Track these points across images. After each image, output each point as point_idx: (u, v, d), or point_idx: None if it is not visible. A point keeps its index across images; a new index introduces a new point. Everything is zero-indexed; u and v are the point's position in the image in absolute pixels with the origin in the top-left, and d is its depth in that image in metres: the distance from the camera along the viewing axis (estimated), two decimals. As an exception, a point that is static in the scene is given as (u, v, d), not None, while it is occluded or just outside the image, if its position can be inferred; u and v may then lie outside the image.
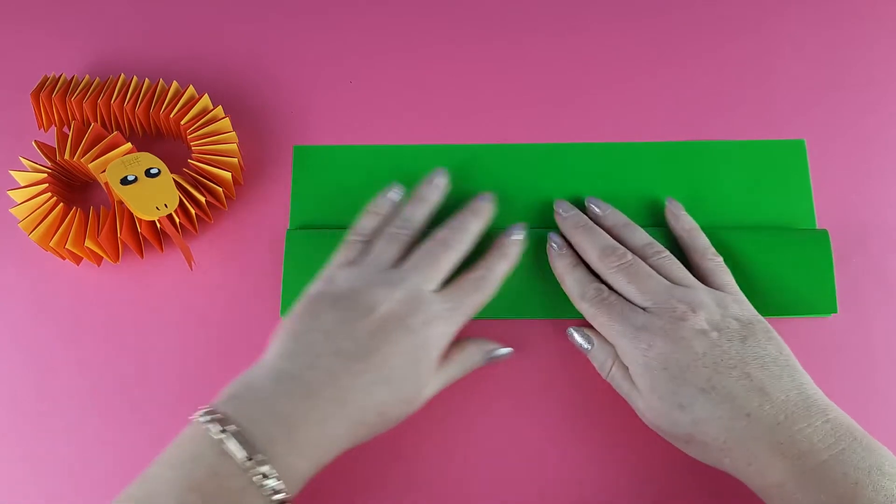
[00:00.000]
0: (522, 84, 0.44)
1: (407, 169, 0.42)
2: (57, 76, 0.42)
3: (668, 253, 0.37)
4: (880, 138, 0.42)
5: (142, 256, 0.40)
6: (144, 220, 0.39)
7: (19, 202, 0.39)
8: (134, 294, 0.40)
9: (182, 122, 0.41)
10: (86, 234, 0.38)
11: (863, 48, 0.44)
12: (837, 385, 0.38)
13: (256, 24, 0.46)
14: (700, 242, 0.38)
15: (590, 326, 0.37)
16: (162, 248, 0.41)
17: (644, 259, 0.37)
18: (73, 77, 0.42)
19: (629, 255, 0.36)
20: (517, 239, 0.38)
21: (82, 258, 0.40)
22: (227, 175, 0.40)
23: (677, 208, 0.39)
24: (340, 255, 0.37)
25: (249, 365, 0.39)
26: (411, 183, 0.41)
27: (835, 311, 0.38)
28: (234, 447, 0.29)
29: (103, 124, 0.42)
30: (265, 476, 0.29)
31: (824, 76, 0.44)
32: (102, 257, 0.40)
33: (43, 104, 0.41)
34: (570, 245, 0.38)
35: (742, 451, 0.31)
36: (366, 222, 0.38)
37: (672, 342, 0.33)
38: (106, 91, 0.41)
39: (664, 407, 0.32)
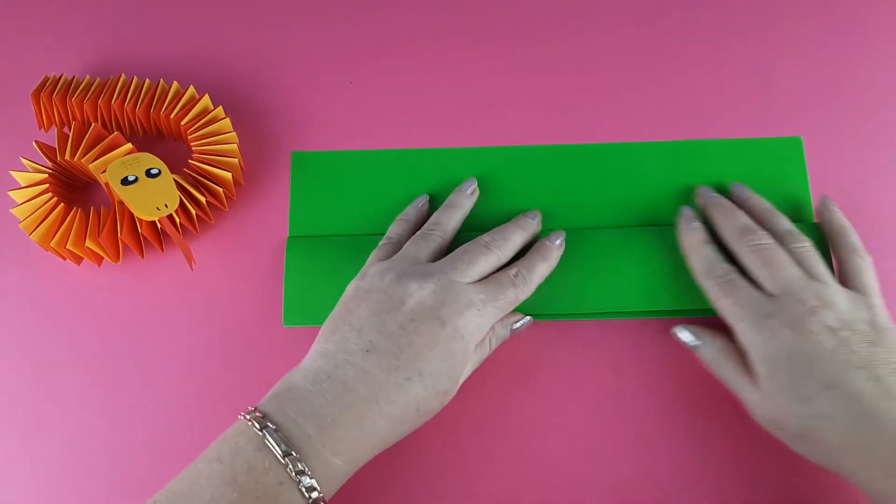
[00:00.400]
0: (522, 85, 0.44)
1: (406, 173, 0.42)
2: (57, 76, 0.42)
3: (809, 243, 0.36)
4: (877, 138, 0.42)
5: (142, 256, 0.40)
6: (145, 221, 0.39)
7: (20, 202, 0.39)
8: (134, 294, 0.40)
9: (182, 123, 0.41)
10: (86, 235, 0.38)
11: (861, 47, 0.44)
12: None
13: (257, 25, 0.46)
14: (852, 240, 0.37)
15: (693, 323, 0.37)
16: (162, 249, 0.41)
17: (784, 246, 0.35)
18: (73, 77, 0.42)
19: (769, 238, 0.35)
20: (559, 244, 0.38)
21: (83, 258, 0.40)
22: (228, 175, 0.40)
23: (830, 203, 0.38)
24: (373, 255, 0.37)
25: (249, 365, 0.39)
26: (411, 186, 0.41)
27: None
28: (272, 444, 0.29)
29: (104, 124, 0.42)
30: (301, 473, 0.29)
31: (822, 76, 0.44)
32: (103, 257, 0.40)
33: (43, 104, 0.41)
34: (702, 225, 0.38)
35: (863, 455, 0.30)
36: (396, 228, 0.39)
37: (799, 333, 0.32)
38: (106, 91, 0.41)
39: (783, 398, 0.32)
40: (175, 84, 0.42)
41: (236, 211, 0.42)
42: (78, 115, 0.41)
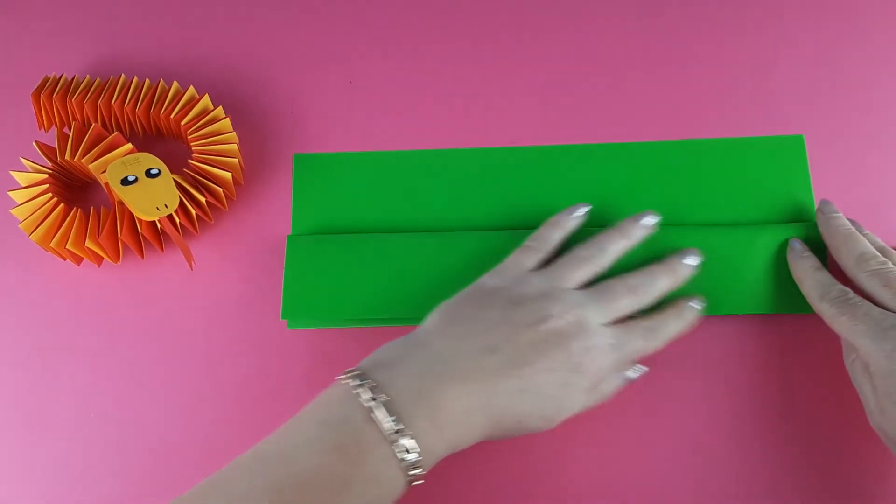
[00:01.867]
0: (522, 85, 0.44)
1: (408, 175, 0.42)
2: (57, 76, 0.42)
3: None
4: (880, 136, 0.42)
5: (142, 257, 0.40)
6: (145, 221, 0.39)
7: (20, 203, 0.39)
8: (134, 294, 0.40)
9: (182, 123, 0.41)
10: (86, 235, 0.38)
11: (863, 45, 0.44)
12: (837, 382, 0.38)
13: (257, 24, 0.46)
14: None
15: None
16: (162, 249, 0.41)
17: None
18: (73, 77, 0.42)
19: (890, 264, 0.35)
20: (697, 308, 0.37)
21: (83, 258, 0.40)
22: (228, 175, 0.40)
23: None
24: (520, 257, 0.37)
25: (249, 365, 0.39)
26: (411, 189, 0.41)
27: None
28: (382, 416, 0.29)
29: (104, 125, 0.42)
30: (407, 450, 0.29)
31: (823, 74, 0.44)
32: (103, 257, 0.40)
33: (43, 104, 0.41)
34: (810, 252, 0.38)
35: None
36: (547, 234, 0.38)
37: None
38: (106, 91, 0.41)
39: (894, 413, 0.31)
40: (175, 84, 0.42)
41: (236, 211, 0.42)
42: (78, 116, 0.41)
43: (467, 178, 0.41)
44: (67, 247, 0.38)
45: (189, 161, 0.40)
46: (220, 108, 0.41)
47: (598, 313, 0.34)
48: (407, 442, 0.29)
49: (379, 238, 0.40)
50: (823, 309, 0.36)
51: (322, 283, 0.39)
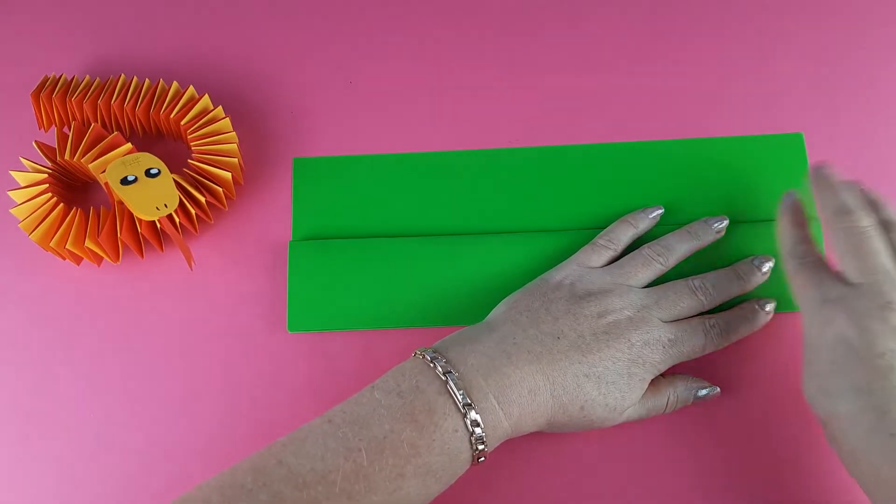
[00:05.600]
0: (522, 85, 0.44)
1: (408, 177, 0.42)
2: (57, 76, 0.42)
3: None
4: (879, 133, 0.42)
5: (142, 256, 0.40)
6: (144, 221, 0.39)
7: (19, 202, 0.39)
8: (134, 294, 0.40)
9: (182, 123, 0.41)
10: (86, 235, 0.38)
11: (862, 43, 0.44)
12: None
13: (257, 24, 0.46)
14: None
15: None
16: (162, 248, 0.41)
17: (886, 235, 0.33)
18: (73, 77, 0.42)
19: (866, 222, 0.32)
20: (769, 312, 0.37)
21: (82, 258, 0.40)
22: (228, 175, 0.40)
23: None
24: (588, 254, 0.37)
25: (249, 365, 0.39)
26: (412, 192, 0.41)
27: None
28: (453, 391, 0.30)
29: (103, 124, 0.42)
30: (476, 424, 0.30)
31: (823, 72, 0.44)
32: (103, 257, 0.40)
33: (43, 104, 0.41)
34: (799, 206, 0.37)
35: (870, 467, 0.29)
36: (621, 232, 0.38)
37: (856, 328, 0.30)
38: (106, 91, 0.41)
39: (813, 385, 0.32)
40: (175, 84, 0.42)
41: (236, 211, 0.42)
42: (78, 115, 0.41)
43: (469, 180, 0.41)
44: (67, 247, 0.38)
45: (189, 161, 0.40)
46: (220, 107, 0.41)
47: (659, 311, 0.35)
48: (476, 416, 0.30)
49: (382, 243, 0.40)
50: (788, 266, 0.35)
51: (327, 290, 0.39)
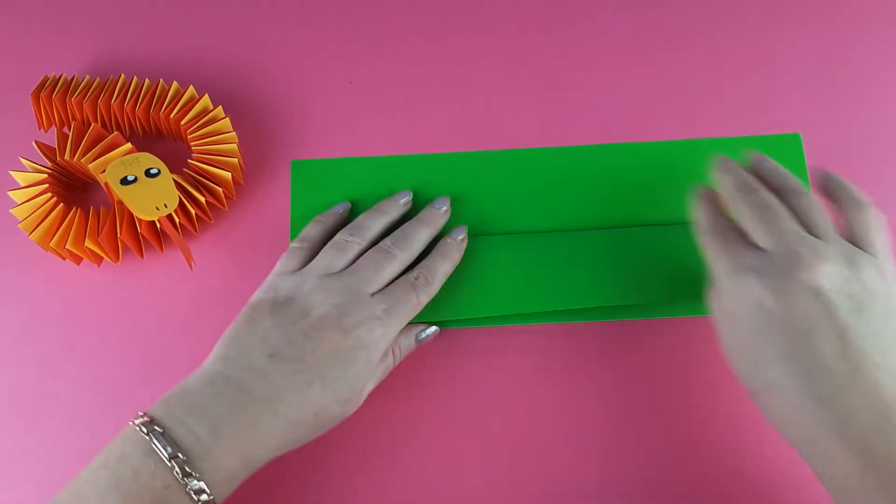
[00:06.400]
0: (522, 86, 0.44)
1: (405, 179, 0.41)
2: (57, 76, 0.42)
3: (815, 199, 0.33)
4: (876, 134, 0.42)
5: (142, 256, 0.40)
6: (144, 220, 0.39)
7: (19, 202, 0.39)
8: (134, 294, 0.40)
9: (182, 123, 0.41)
10: (86, 235, 0.38)
11: (859, 44, 0.44)
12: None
13: (256, 24, 0.46)
14: (856, 194, 0.33)
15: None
16: (162, 248, 0.41)
17: (786, 200, 0.33)
18: (73, 77, 0.42)
19: (765, 193, 0.33)
20: (461, 240, 0.38)
21: (82, 258, 0.40)
22: (227, 175, 0.40)
23: (826, 172, 0.35)
24: (282, 263, 0.37)
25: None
26: (413, 192, 0.41)
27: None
28: (159, 446, 0.29)
29: (103, 124, 0.42)
30: (189, 475, 0.29)
31: (820, 73, 0.44)
32: (102, 257, 0.40)
33: (43, 104, 0.41)
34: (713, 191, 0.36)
35: (805, 433, 0.28)
36: (310, 231, 0.38)
37: (774, 293, 0.29)
38: (106, 91, 0.41)
39: (736, 352, 0.31)
40: (175, 84, 0.42)
41: (236, 211, 0.42)
42: (78, 115, 0.41)
43: (468, 181, 0.41)
44: (67, 246, 0.38)
45: (189, 161, 0.40)
46: (220, 107, 0.41)
47: (364, 284, 0.35)
48: (189, 468, 0.29)
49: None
50: (703, 241, 0.34)
51: None
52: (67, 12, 0.46)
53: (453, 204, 0.40)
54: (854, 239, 0.32)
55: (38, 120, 0.42)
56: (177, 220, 0.39)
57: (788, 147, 0.42)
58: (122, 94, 0.41)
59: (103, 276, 0.41)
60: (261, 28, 0.46)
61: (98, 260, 0.40)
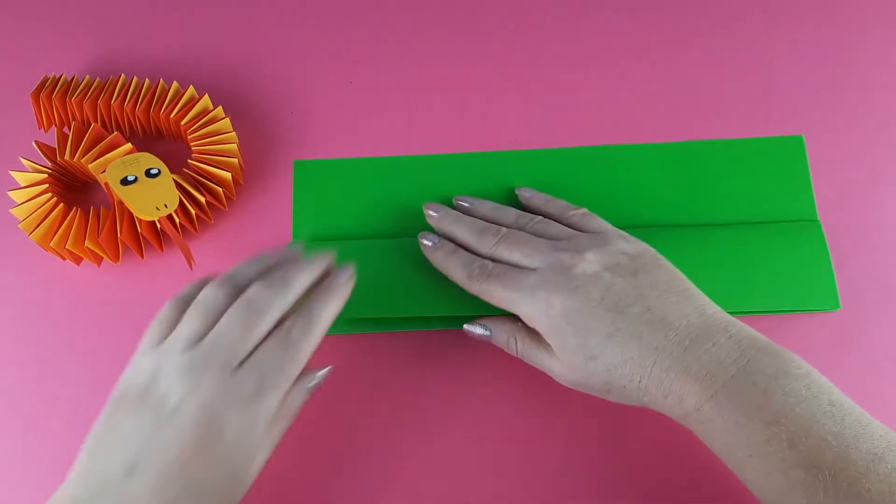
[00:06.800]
0: (522, 87, 0.44)
1: (405, 179, 0.42)
2: (57, 76, 0.42)
3: (540, 217, 0.37)
4: (879, 135, 0.42)
5: (142, 256, 0.40)
6: (144, 221, 0.39)
7: (19, 202, 0.39)
8: (134, 294, 0.40)
9: (182, 123, 0.41)
10: (86, 235, 0.38)
11: (861, 45, 0.44)
12: (842, 382, 0.38)
13: (256, 24, 0.46)
14: (557, 205, 0.38)
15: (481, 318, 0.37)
16: (162, 249, 0.41)
17: (521, 230, 0.36)
18: (73, 77, 0.42)
19: (504, 229, 0.36)
20: (347, 279, 0.34)
21: (82, 258, 0.40)
22: (227, 175, 0.40)
23: (527, 192, 0.40)
24: (148, 333, 0.32)
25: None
26: (407, 194, 0.41)
27: (837, 306, 0.38)
28: None
29: (103, 124, 0.42)
30: None
31: (822, 74, 0.44)
32: (103, 257, 0.40)
33: (43, 104, 0.41)
34: (443, 241, 0.37)
35: (657, 386, 0.31)
36: (190, 289, 0.33)
37: (569, 294, 0.32)
38: (106, 91, 0.41)
39: (577, 361, 0.32)
40: (175, 84, 0.42)
41: (236, 211, 0.42)
42: (78, 116, 0.41)
43: (469, 182, 0.41)
44: (67, 247, 0.38)
45: (189, 161, 0.40)
46: (220, 107, 0.41)
47: (228, 357, 0.29)
48: None
49: (383, 244, 0.40)
50: (474, 289, 0.35)
51: None
52: (67, 12, 0.46)
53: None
54: (582, 231, 0.36)
55: (38, 120, 0.42)
56: (177, 220, 0.39)
57: (791, 149, 0.42)
58: (122, 94, 0.41)
59: (103, 276, 0.41)
60: (261, 28, 0.46)
61: (98, 260, 0.40)
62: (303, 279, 0.32)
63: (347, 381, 0.38)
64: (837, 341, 0.39)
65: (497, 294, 0.34)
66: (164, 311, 0.32)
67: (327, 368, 0.34)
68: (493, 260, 0.35)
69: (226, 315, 0.30)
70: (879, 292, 0.39)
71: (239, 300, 0.31)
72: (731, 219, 0.40)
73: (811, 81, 0.44)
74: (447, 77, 0.44)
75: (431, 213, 0.39)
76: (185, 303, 0.32)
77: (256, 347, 0.30)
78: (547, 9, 0.46)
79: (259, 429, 0.30)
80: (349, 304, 0.39)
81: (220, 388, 0.29)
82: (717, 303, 0.38)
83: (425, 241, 0.37)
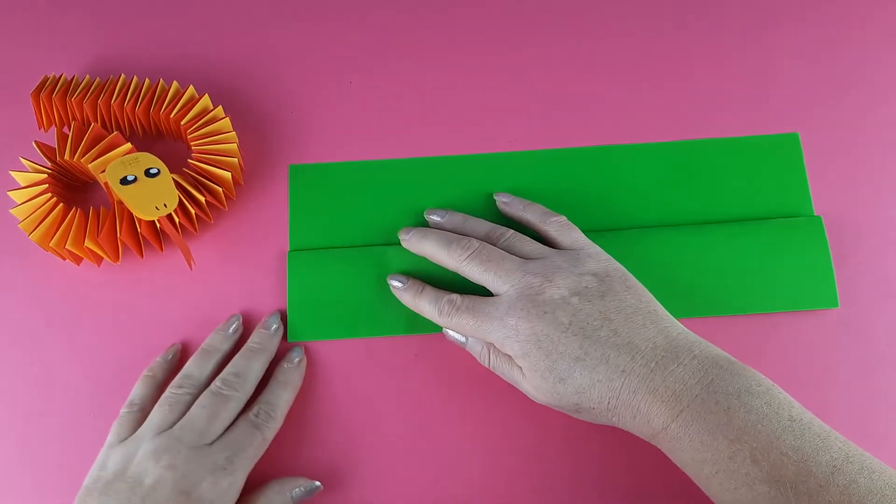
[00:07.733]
0: (522, 88, 0.44)
1: (402, 182, 0.42)
2: (57, 76, 0.42)
3: (512, 232, 0.37)
4: (874, 133, 0.42)
5: (142, 256, 0.40)
6: (144, 220, 0.39)
7: (19, 202, 0.39)
8: (134, 294, 0.40)
9: (182, 122, 0.41)
10: (86, 235, 0.38)
11: (857, 44, 0.44)
12: (840, 380, 0.38)
13: (256, 24, 0.46)
14: (536, 211, 0.38)
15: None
16: (162, 248, 0.41)
17: (494, 244, 0.37)
18: (73, 77, 0.42)
19: (475, 242, 0.36)
20: (298, 362, 0.38)
21: (82, 258, 0.40)
22: (227, 175, 0.40)
23: (505, 196, 0.40)
24: (112, 433, 0.35)
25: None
26: (406, 195, 0.41)
27: (835, 304, 0.38)
28: None
29: (103, 124, 0.42)
30: None
31: (818, 72, 0.44)
32: (102, 257, 0.40)
33: (43, 104, 0.41)
34: (410, 280, 0.38)
35: (625, 407, 0.31)
36: (138, 391, 0.37)
37: (537, 319, 0.33)
38: (106, 91, 0.41)
39: (546, 384, 0.33)
40: (175, 84, 0.42)
41: (236, 211, 0.42)
42: (77, 115, 0.41)
43: (469, 185, 0.41)
44: (67, 246, 0.38)
45: (189, 161, 0.40)
46: (220, 107, 0.41)
47: (201, 437, 0.33)
48: None
49: (381, 251, 0.40)
50: (446, 324, 0.36)
51: (326, 299, 0.39)
52: (67, 12, 0.46)
53: (455, 208, 0.40)
54: (557, 243, 0.37)
55: (38, 120, 0.42)
56: (177, 220, 0.39)
57: (787, 146, 0.42)
58: (122, 94, 0.41)
59: (103, 276, 0.41)
60: (261, 28, 0.46)
61: (98, 260, 0.40)
62: (256, 368, 0.37)
63: (347, 381, 0.38)
64: (836, 339, 0.39)
65: (468, 326, 0.35)
66: (124, 411, 0.36)
67: (317, 485, 0.36)
68: (464, 275, 0.36)
69: (195, 405, 0.34)
70: (878, 290, 0.39)
71: (206, 392, 0.35)
72: (727, 216, 0.40)
73: (810, 81, 0.44)
74: (447, 78, 0.44)
75: (402, 236, 0.39)
76: (140, 402, 0.36)
77: (226, 430, 0.34)
78: (546, 12, 0.46)
79: (230, 498, 0.32)
80: (348, 314, 0.39)
81: (195, 460, 0.32)
82: (717, 301, 0.38)
83: (394, 283, 0.38)
